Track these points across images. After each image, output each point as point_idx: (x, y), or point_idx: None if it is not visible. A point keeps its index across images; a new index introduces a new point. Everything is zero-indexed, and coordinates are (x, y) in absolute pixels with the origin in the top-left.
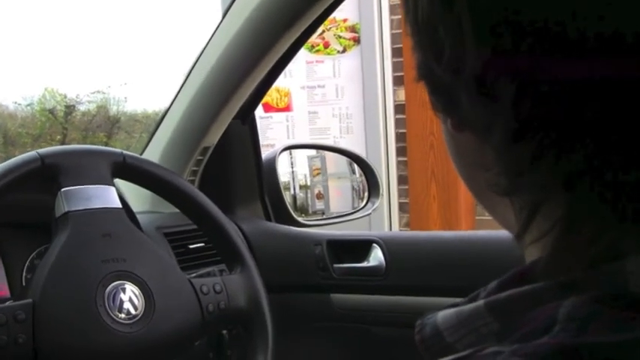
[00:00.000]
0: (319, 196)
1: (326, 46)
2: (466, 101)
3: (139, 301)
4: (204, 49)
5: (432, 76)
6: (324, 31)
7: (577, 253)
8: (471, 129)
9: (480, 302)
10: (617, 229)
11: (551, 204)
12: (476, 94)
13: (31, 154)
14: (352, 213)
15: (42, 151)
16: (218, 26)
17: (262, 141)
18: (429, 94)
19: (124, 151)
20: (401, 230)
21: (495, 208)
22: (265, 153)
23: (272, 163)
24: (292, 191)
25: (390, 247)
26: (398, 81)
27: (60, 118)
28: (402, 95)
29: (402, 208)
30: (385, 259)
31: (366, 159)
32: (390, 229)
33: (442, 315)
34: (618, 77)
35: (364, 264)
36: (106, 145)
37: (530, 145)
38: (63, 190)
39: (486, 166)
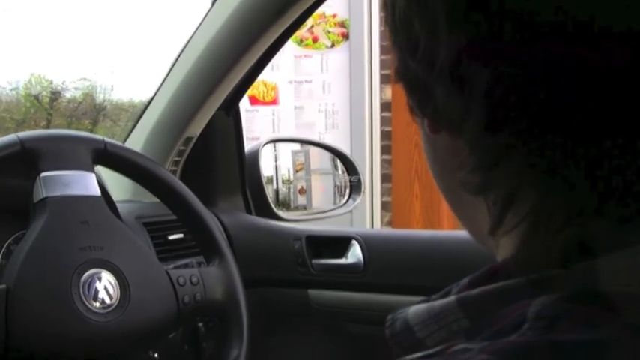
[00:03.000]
0: (302, 192)
1: (315, 40)
2: (441, 94)
3: (114, 290)
4: (191, 38)
5: (408, 73)
6: (313, 26)
7: (546, 247)
8: (446, 127)
9: (452, 298)
10: (586, 223)
11: (523, 197)
12: (450, 85)
13: (11, 137)
14: (333, 210)
15: (22, 135)
16: (205, 15)
17: (247, 134)
18: (406, 95)
19: (106, 139)
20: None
21: (468, 212)
22: (249, 146)
23: (255, 156)
24: (275, 185)
25: (369, 244)
26: (385, 79)
27: (45, 103)
28: (388, 93)
29: (384, 206)
30: (364, 256)
31: (349, 156)
32: (372, 228)
33: (413, 310)
34: (592, 65)
35: (343, 260)
36: (91, 132)
37: (503, 135)
38: (42, 175)
39: (460, 165)
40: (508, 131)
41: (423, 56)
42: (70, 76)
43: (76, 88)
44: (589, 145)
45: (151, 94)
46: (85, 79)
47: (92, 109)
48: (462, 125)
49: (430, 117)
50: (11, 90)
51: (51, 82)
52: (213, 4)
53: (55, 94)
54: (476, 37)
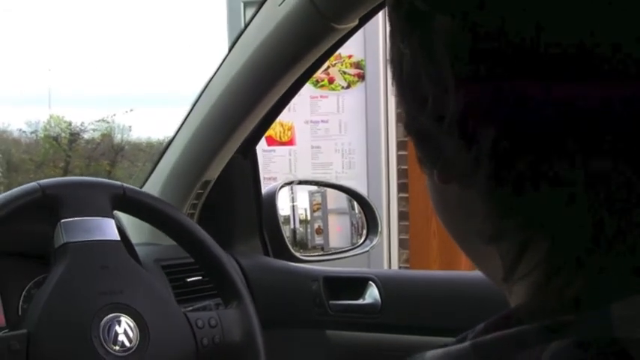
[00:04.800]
0: (319, 231)
1: (331, 81)
2: (450, 148)
3: (133, 334)
4: (209, 82)
5: (416, 127)
6: (329, 67)
7: (559, 294)
8: (457, 178)
9: (467, 343)
10: (596, 274)
11: (535, 246)
12: (458, 139)
13: (32, 184)
14: (349, 250)
15: (43, 182)
16: (224, 60)
17: (264, 174)
18: (415, 148)
19: (124, 184)
20: (400, 267)
21: (481, 258)
22: (266, 187)
23: (272, 198)
24: (292, 225)
25: (385, 285)
26: (401, 117)
27: (64, 145)
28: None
29: (402, 244)
30: (381, 296)
31: (365, 196)
32: (390, 266)
33: (430, 355)
34: (595, 121)
35: (360, 301)
36: (109, 173)
37: (512, 187)
38: (62, 221)
39: (472, 214)
40: (515, 184)
41: (432, 111)
42: (89, 118)
43: (94, 130)
44: (595, 198)
45: (169, 137)
46: (103, 120)
47: (110, 150)
48: (472, 177)
49: (440, 169)
50: (31, 133)
51: (70, 124)
52: (231, 48)
53: (74, 136)
54: (481, 92)
